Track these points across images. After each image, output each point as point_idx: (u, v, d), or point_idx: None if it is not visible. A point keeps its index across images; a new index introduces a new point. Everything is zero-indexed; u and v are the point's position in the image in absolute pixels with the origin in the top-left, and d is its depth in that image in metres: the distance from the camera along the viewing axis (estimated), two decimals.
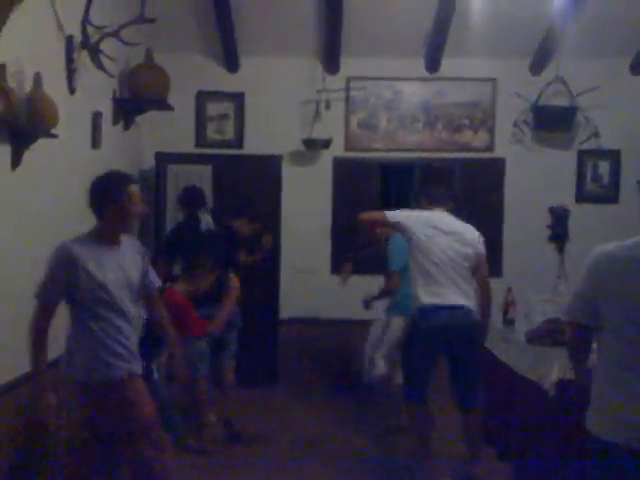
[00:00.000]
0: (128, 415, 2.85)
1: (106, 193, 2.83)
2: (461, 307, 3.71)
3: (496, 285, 5.39)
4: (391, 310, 4.72)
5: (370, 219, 3.99)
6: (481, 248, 3.88)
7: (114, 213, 2.83)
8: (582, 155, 5.99)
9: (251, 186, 5.82)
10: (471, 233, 3.88)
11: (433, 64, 5.95)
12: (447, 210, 3.94)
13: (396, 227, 3.89)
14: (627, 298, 2.14)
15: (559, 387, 3.54)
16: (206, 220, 4.98)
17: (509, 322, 4.56)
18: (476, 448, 3.89)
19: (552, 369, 3.58)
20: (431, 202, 3.95)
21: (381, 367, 4.66)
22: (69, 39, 3.95)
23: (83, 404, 2.88)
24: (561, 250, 5.97)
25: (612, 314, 2.17)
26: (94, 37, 4.14)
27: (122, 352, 2.86)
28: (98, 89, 4.54)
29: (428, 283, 3.71)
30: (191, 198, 5.03)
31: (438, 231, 3.76)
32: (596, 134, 5.81)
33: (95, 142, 4.48)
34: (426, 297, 3.70)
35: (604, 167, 6.00)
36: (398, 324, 4.55)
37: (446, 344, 3.72)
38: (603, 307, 2.19)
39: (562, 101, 5.81)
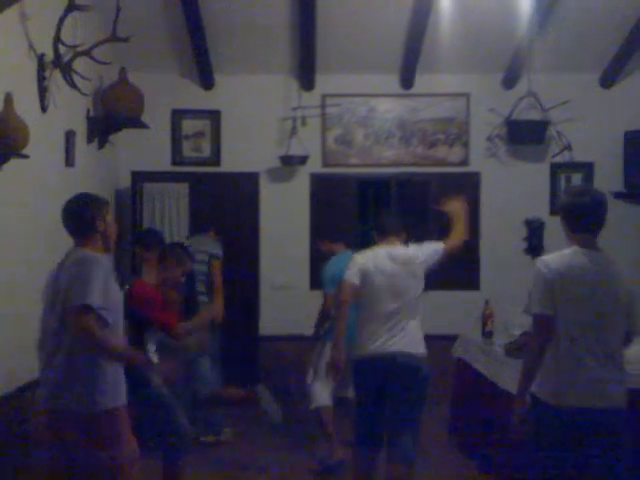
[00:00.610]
0: (120, 447, 2.69)
1: (86, 216, 2.76)
2: (401, 354, 3.46)
3: (474, 298, 5.48)
4: (327, 335, 4.32)
5: (341, 303, 3.63)
6: (430, 249, 3.70)
7: (97, 235, 2.78)
8: (555, 168, 6.06)
9: (228, 203, 5.82)
10: (413, 258, 3.62)
11: (407, 80, 6.01)
12: (399, 240, 3.69)
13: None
14: (571, 298, 2.70)
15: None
16: None
17: (488, 335, 4.57)
18: None
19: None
20: (383, 236, 3.68)
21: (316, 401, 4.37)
22: (41, 57, 3.93)
23: (75, 434, 2.65)
24: None
25: (560, 311, 2.69)
26: (66, 56, 4.13)
27: (122, 379, 2.76)
28: (71, 108, 4.52)
29: (367, 332, 3.51)
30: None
31: (378, 274, 3.52)
32: (568, 147, 5.89)
33: (68, 161, 4.46)
34: (366, 345, 3.51)
35: (577, 179, 6.08)
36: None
37: (384, 393, 3.50)
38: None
39: (534, 115, 5.89)
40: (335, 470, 4.25)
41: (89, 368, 2.62)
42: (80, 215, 2.77)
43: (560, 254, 2.79)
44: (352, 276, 3.55)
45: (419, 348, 3.52)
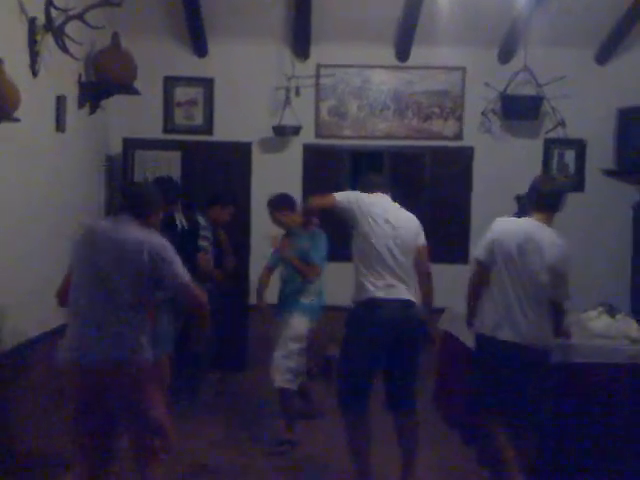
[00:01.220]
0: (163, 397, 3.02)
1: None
2: (409, 302, 3.41)
3: (462, 271, 5.50)
4: (292, 307, 4.31)
5: (321, 205, 3.62)
6: (423, 240, 3.58)
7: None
8: (548, 144, 6.07)
9: (221, 173, 5.80)
10: (414, 223, 3.57)
11: (403, 52, 5.97)
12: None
13: (343, 212, 3.48)
14: (504, 256, 3.39)
15: None
16: (180, 219, 4.69)
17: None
18: (413, 456, 3.50)
19: None
20: (370, 190, 3.57)
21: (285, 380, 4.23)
22: (32, 21, 3.89)
23: (125, 387, 2.82)
24: None
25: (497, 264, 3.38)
26: (58, 19, 4.08)
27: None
28: (63, 72, 4.48)
29: (375, 276, 3.37)
30: (166, 191, 4.75)
31: (383, 221, 3.43)
32: (562, 123, 5.89)
33: (59, 126, 4.43)
34: (374, 290, 3.37)
35: (570, 156, 6.09)
36: (300, 322, 4.27)
37: (392, 341, 3.38)
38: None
39: (529, 90, 5.87)
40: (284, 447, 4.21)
41: (147, 323, 2.88)
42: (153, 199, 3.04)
43: (512, 220, 3.61)
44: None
45: (416, 300, 3.46)
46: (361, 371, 3.39)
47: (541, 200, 3.49)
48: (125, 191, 3.33)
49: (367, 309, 3.38)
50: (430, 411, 4.82)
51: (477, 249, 3.52)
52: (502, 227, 3.48)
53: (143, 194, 3.04)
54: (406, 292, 3.40)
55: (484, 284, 3.43)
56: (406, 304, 3.39)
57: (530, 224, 3.45)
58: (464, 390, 3.98)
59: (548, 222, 3.48)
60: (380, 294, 3.35)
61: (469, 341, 4.31)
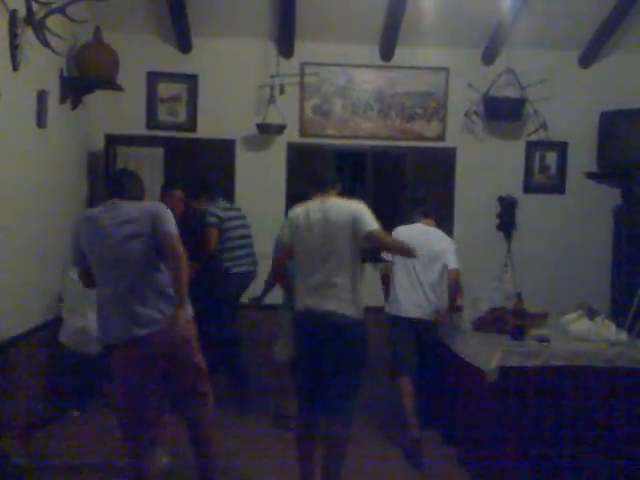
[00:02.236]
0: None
1: None
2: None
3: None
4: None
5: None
6: (367, 226, 3.29)
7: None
8: (530, 146, 6.10)
9: (204, 170, 5.76)
10: (346, 213, 3.32)
11: (387, 52, 5.96)
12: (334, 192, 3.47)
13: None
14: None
15: (500, 373, 3.63)
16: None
17: (457, 309, 4.63)
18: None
19: (493, 356, 3.66)
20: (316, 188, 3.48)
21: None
22: (12, 14, 3.83)
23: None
24: (508, 239, 6.09)
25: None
26: (39, 13, 4.02)
27: None
28: (44, 67, 4.42)
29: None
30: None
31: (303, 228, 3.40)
32: (544, 126, 5.93)
33: (40, 121, 4.36)
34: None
35: (551, 158, 6.12)
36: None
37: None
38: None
39: (512, 92, 5.90)
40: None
41: (166, 279, 3.05)
42: None
43: (410, 226, 4.54)
44: (283, 235, 3.52)
45: (349, 309, 3.27)
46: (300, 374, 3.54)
47: (419, 208, 4.37)
48: (115, 176, 3.49)
49: (296, 319, 3.49)
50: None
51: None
52: (405, 233, 4.28)
53: (132, 176, 3.29)
54: (328, 301, 3.28)
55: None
56: (326, 315, 3.27)
57: (419, 228, 4.45)
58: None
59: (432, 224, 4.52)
60: (304, 305, 3.39)
61: (450, 341, 4.34)
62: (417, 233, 4.35)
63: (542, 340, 3.81)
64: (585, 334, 3.94)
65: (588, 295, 5.30)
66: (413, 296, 4.35)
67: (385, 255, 3.75)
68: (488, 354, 3.70)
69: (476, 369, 3.82)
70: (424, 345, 4.41)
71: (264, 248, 5.87)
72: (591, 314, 4.06)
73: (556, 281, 5.92)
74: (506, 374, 3.65)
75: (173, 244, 2.98)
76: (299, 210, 3.45)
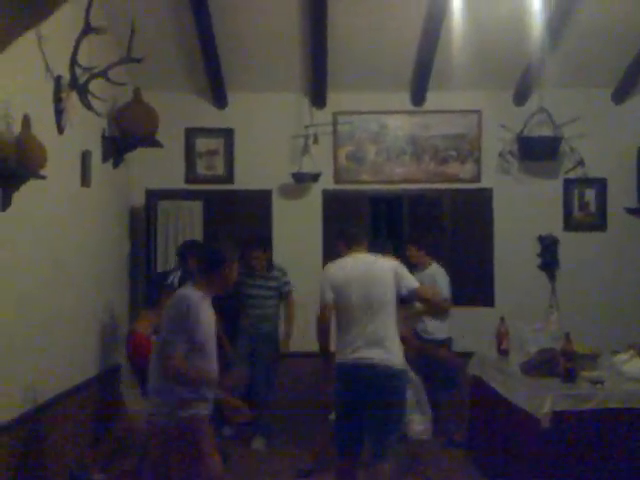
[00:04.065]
0: None
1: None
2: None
3: (489, 314, 5.46)
4: None
5: None
6: (409, 283, 3.65)
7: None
8: (568, 184, 6.05)
9: (242, 220, 5.84)
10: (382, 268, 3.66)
11: (418, 97, 6.03)
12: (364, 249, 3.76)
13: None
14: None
15: (553, 419, 3.53)
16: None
17: (503, 353, 4.54)
18: None
19: (545, 400, 3.56)
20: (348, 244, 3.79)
21: None
22: (57, 80, 3.98)
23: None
24: (552, 278, 5.99)
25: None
26: (82, 77, 4.17)
27: None
28: (87, 128, 4.57)
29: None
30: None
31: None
32: (581, 163, 5.88)
33: (84, 180, 4.49)
34: None
35: (590, 195, 6.05)
36: None
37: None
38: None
39: (546, 131, 5.88)
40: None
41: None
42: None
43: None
44: (325, 294, 3.65)
45: (394, 359, 3.48)
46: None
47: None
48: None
49: (338, 371, 3.61)
50: (462, 457, 4.71)
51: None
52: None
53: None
54: (373, 353, 3.48)
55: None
56: (371, 366, 3.46)
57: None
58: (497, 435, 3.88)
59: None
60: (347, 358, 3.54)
61: (498, 386, 4.24)
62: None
63: (595, 382, 3.70)
64: (639, 374, 3.81)
65: (637, 333, 5.16)
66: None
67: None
68: (539, 399, 3.60)
69: (528, 414, 3.72)
70: None
71: (303, 295, 5.92)
72: None
73: (603, 319, 5.79)
74: (559, 419, 3.54)
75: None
76: (336, 267, 3.69)
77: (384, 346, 3.46)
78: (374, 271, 3.59)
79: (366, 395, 3.45)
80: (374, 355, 3.45)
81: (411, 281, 3.58)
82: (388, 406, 3.45)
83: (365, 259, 3.67)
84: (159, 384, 3.08)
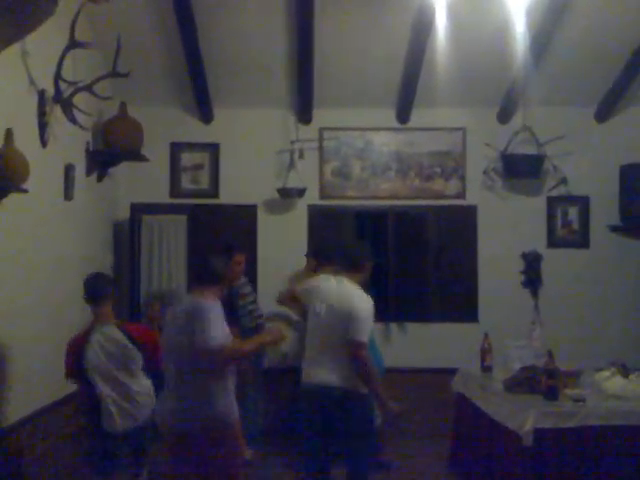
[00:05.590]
0: None
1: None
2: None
3: (473, 330, 5.48)
4: None
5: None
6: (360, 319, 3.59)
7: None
8: (551, 202, 6.09)
9: (227, 235, 5.82)
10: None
11: (403, 114, 6.07)
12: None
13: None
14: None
15: (535, 436, 3.53)
16: None
17: (487, 369, 4.55)
18: None
19: (527, 418, 3.57)
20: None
21: None
22: (41, 93, 3.97)
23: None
24: (535, 295, 6.02)
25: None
26: (67, 91, 4.17)
27: None
28: (71, 142, 4.55)
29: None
30: None
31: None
32: (564, 181, 5.93)
33: (68, 194, 4.47)
34: None
35: (573, 213, 6.11)
36: None
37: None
38: None
39: (530, 149, 5.93)
40: None
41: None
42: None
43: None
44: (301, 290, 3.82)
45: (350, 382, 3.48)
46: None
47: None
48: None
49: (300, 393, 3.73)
50: (445, 474, 4.69)
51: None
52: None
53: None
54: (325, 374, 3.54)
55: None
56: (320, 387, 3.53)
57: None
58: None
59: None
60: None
61: (482, 403, 4.25)
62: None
63: (577, 399, 3.72)
64: (620, 392, 3.83)
65: (619, 350, 5.20)
66: None
67: None
68: (522, 416, 3.61)
69: (510, 432, 3.72)
70: None
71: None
72: (625, 371, 3.96)
73: (585, 337, 5.82)
74: (541, 436, 3.55)
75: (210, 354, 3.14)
76: (315, 284, 3.71)
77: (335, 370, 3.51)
78: (341, 302, 3.55)
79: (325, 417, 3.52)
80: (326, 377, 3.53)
81: (358, 332, 3.48)
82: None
83: (341, 287, 3.60)
84: (193, 390, 3.12)
